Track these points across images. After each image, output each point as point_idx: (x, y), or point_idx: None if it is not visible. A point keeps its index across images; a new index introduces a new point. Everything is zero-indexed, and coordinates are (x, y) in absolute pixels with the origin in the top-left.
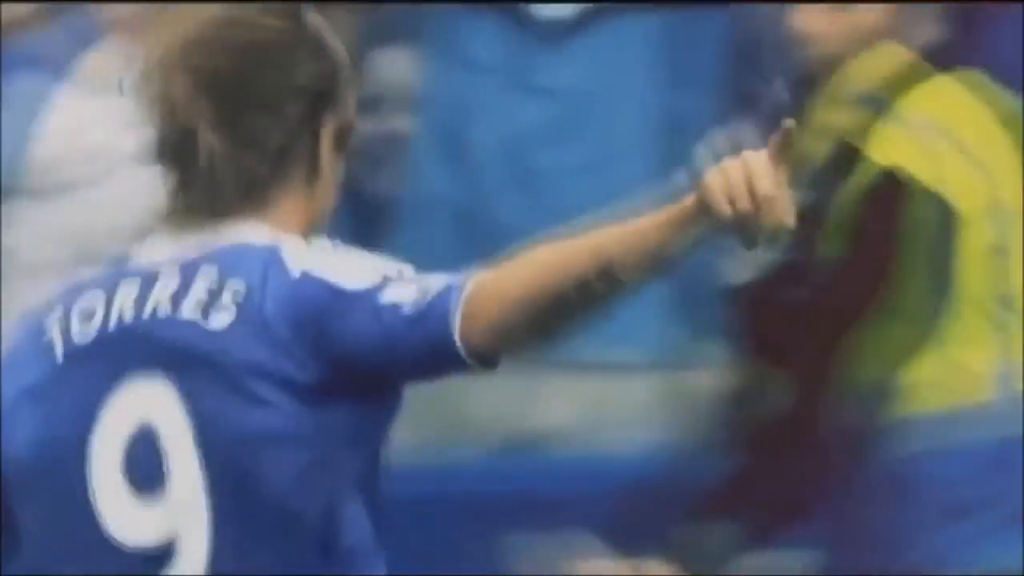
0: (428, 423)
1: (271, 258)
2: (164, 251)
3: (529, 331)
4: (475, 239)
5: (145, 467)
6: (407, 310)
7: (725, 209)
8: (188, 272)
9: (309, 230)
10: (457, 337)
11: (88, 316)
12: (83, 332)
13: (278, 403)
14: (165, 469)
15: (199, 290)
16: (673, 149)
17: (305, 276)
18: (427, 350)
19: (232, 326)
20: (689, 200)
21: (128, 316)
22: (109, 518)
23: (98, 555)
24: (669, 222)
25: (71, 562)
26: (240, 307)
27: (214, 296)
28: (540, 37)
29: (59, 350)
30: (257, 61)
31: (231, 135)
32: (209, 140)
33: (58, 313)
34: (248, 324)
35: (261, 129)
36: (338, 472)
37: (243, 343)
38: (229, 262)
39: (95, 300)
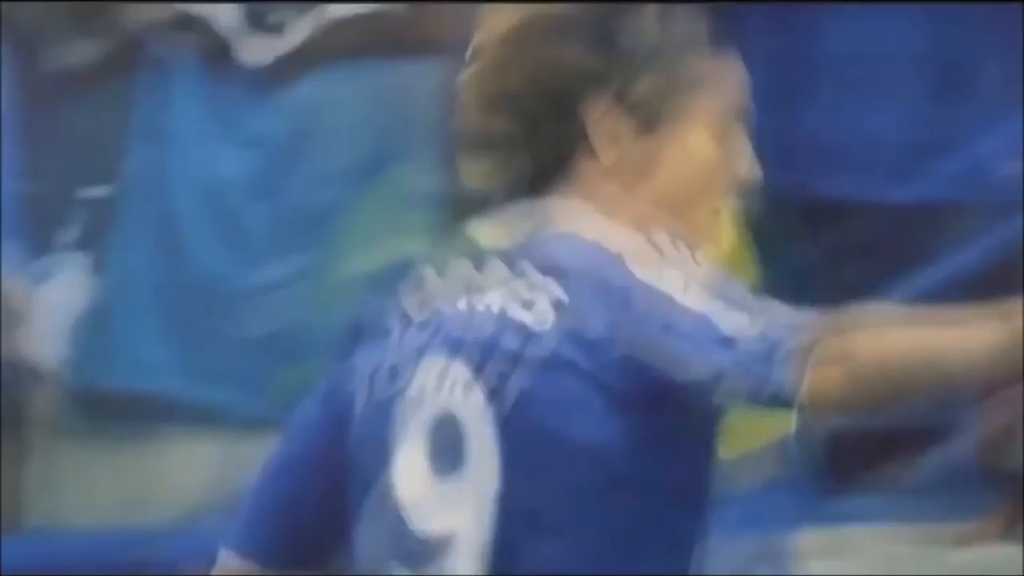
0: (119, 487)
1: (600, 258)
2: (494, 237)
3: (867, 408)
4: (181, 298)
5: (446, 453)
6: (749, 346)
7: None
8: (515, 267)
9: (644, 222)
10: (798, 393)
11: (420, 302)
12: (415, 314)
13: (590, 408)
14: (465, 456)
15: (523, 289)
16: (384, 199)
17: (642, 285)
18: (763, 398)
19: (553, 329)
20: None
21: (454, 307)
22: (407, 500)
23: (394, 533)
24: (1006, 347)
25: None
26: (562, 310)
27: (537, 296)
28: (244, 85)
29: (396, 330)
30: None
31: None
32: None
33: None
34: (569, 329)
35: (546, 106)
36: (646, 485)
37: (563, 346)
38: (555, 260)
39: (430, 283)
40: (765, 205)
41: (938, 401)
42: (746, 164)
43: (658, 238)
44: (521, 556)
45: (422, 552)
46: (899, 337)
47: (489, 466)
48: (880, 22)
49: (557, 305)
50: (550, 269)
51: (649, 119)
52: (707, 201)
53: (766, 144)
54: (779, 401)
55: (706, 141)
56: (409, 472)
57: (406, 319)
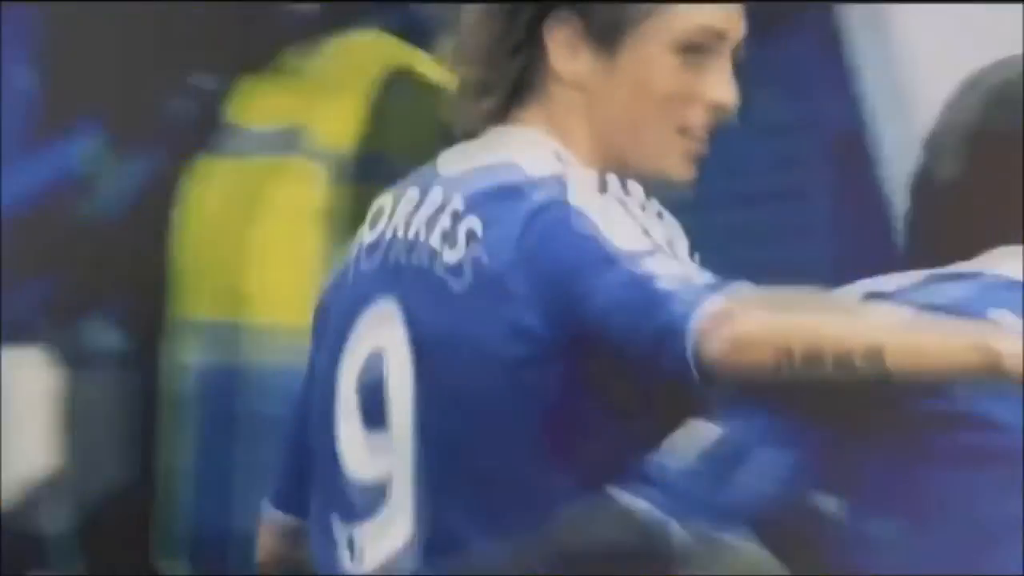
0: None
1: (522, 188)
2: (452, 163)
3: (770, 373)
4: None
5: (373, 398)
6: (661, 284)
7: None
8: (447, 193)
9: (600, 150)
10: (693, 335)
11: (376, 218)
12: (370, 234)
13: (503, 350)
14: (387, 401)
15: (445, 217)
16: None
17: (575, 218)
18: (657, 334)
19: (464, 263)
20: (982, 346)
21: (399, 231)
22: (344, 447)
23: (335, 485)
24: (957, 355)
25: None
26: (476, 244)
27: (454, 225)
28: None
29: (353, 254)
30: None
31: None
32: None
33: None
34: (483, 266)
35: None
36: (550, 436)
37: (475, 284)
38: (482, 189)
39: (384, 202)
40: None
41: (872, 373)
42: (719, 89)
43: (608, 178)
44: (443, 500)
45: (359, 503)
46: (829, 304)
47: (407, 411)
48: None
49: (471, 237)
50: (475, 202)
51: (609, 36)
52: (668, 122)
53: None
54: (674, 350)
55: (668, 62)
56: (346, 420)
57: (360, 254)
